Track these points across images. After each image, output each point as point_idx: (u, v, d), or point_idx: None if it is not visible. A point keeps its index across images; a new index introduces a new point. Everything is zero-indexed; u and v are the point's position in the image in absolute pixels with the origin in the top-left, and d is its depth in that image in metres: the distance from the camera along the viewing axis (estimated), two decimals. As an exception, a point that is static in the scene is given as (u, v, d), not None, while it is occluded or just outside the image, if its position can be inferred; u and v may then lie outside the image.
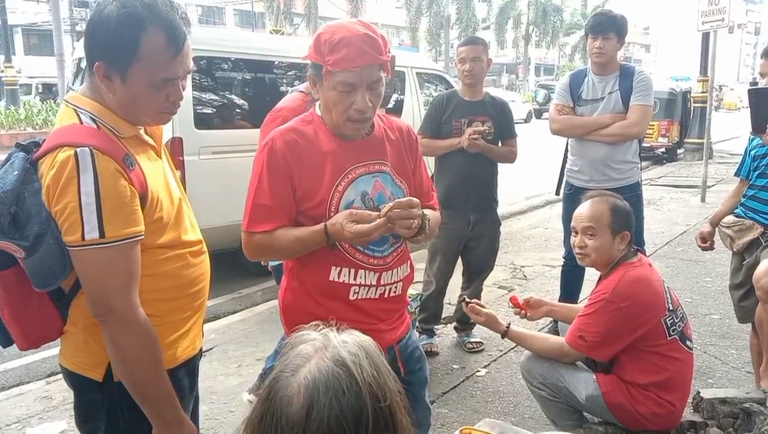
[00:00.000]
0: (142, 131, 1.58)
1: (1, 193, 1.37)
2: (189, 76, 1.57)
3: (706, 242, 3.42)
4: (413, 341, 2.11)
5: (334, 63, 1.73)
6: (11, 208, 1.37)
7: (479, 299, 4.00)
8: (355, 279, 1.88)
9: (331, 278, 1.87)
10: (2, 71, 20.26)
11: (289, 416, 0.92)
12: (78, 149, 1.36)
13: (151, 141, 1.60)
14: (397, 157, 1.97)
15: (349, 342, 0.99)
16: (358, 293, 1.89)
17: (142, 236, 1.44)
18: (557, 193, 4.28)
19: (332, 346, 0.97)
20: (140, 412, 1.54)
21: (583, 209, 2.57)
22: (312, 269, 1.89)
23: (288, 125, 1.90)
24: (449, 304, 4.25)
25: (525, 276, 5.58)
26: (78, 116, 1.47)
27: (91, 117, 1.47)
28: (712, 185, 9.61)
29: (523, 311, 2.81)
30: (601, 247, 2.49)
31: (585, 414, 2.64)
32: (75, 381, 1.59)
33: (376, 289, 1.91)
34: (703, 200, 8.79)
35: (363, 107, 1.77)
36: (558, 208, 7.79)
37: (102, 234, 1.37)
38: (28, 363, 3.90)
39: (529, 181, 10.06)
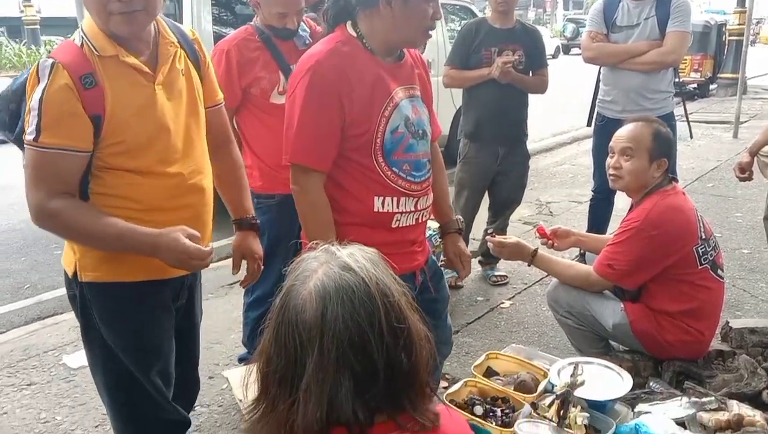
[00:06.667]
0: (132, 58, 1.59)
1: (8, 91, 1.62)
2: None
3: (745, 172, 3.31)
4: (434, 261, 2.16)
5: None
6: (11, 105, 1.60)
7: (504, 234, 3.99)
8: (397, 207, 1.89)
9: (375, 209, 1.87)
10: (22, 11, 20.12)
11: (305, 321, 0.96)
12: (41, 61, 1.52)
13: (142, 66, 1.61)
14: (421, 83, 1.99)
15: (352, 251, 1.03)
16: (399, 220, 1.91)
17: (79, 152, 1.54)
18: (588, 124, 4.18)
19: (336, 256, 1.02)
20: (110, 313, 1.70)
21: (624, 130, 2.51)
22: (357, 200, 1.87)
23: (327, 48, 1.81)
24: (473, 239, 4.24)
25: (551, 212, 5.53)
26: (77, 35, 1.59)
27: (81, 35, 1.56)
28: (745, 121, 9.33)
29: (549, 242, 2.78)
30: (636, 170, 2.43)
31: (611, 342, 2.65)
32: (64, 277, 1.77)
33: (413, 215, 1.94)
34: (735, 136, 8.54)
35: (440, 15, 1.83)
36: (585, 145, 7.69)
37: (37, 138, 1.50)
38: (61, 295, 4.00)
39: (556, 118, 9.88)
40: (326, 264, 1.00)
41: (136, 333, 1.74)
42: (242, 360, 3.01)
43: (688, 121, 4.34)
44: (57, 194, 1.53)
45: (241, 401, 2.58)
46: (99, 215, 1.58)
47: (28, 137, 1.51)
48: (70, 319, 3.62)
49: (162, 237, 1.58)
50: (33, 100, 1.49)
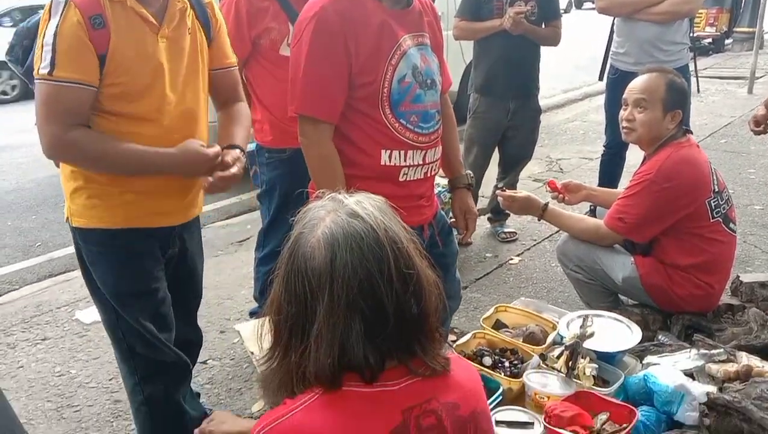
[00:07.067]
0: (140, 7, 1.62)
1: (23, 28, 1.69)
2: None
3: (760, 125, 3.25)
4: (442, 215, 2.14)
5: None
6: (25, 41, 1.69)
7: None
8: (405, 160, 1.87)
9: (382, 163, 1.85)
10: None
11: (315, 268, 0.96)
12: None
13: (148, 16, 1.65)
14: (431, 31, 1.95)
15: (360, 199, 1.03)
16: (407, 174, 1.89)
17: (90, 87, 1.59)
18: (600, 78, 4.10)
19: (343, 204, 1.02)
20: (95, 257, 1.78)
21: (638, 81, 2.45)
22: (364, 153, 1.85)
23: None
24: (482, 196, 4.22)
25: (561, 169, 5.49)
26: None
27: None
28: (761, 77, 9.14)
29: (560, 195, 2.75)
30: (649, 122, 2.38)
31: (620, 296, 2.64)
32: None
33: (422, 168, 1.92)
34: (750, 91, 8.37)
35: None
36: (596, 101, 7.58)
37: (51, 72, 1.54)
38: (72, 252, 4.03)
39: (567, 74, 9.72)
40: (334, 212, 1.00)
41: (118, 277, 1.80)
42: (253, 314, 3.03)
43: (696, 75, 4.26)
44: (71, 126, 1.59)
45: (252, 354, 2.61)
46: (117, 140, 1.64)
47: (42, 71, 1.55)
48: (80, 276, 3.65)
49: (183, 154, 1.69)
50: (47, 36, 1.54)
